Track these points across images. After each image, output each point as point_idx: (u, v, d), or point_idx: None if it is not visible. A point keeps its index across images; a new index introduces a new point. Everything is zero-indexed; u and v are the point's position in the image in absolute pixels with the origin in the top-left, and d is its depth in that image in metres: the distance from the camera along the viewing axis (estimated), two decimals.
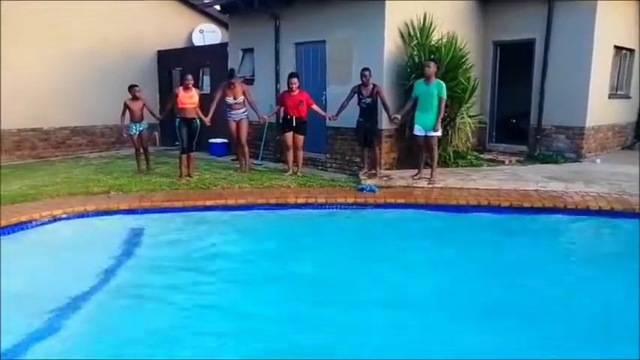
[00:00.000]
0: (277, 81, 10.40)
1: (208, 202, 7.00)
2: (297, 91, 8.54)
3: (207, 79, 12.76)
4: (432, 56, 8.51)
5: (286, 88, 8.72)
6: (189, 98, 8.38)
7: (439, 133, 7.74)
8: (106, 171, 9.59)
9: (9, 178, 8.89)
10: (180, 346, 3.66)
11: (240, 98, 8.90)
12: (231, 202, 7.03)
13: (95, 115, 12.85)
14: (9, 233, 5.90)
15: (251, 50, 11.14)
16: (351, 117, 8.38)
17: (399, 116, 7.89)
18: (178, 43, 14.20)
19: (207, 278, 4.97)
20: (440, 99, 7.47)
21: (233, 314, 4.17)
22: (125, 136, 9.39)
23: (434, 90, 7.48)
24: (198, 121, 8.54)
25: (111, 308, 4.30)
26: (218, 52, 12.16)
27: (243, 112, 9.03)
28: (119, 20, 13.00)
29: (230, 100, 8.89)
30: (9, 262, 5.07)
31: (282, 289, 4.66)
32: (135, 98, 9.00)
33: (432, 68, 7.51)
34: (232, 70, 9.42)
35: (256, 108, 9.12)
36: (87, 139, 12.96)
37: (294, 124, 8.64)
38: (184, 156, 8.56)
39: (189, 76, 8.50)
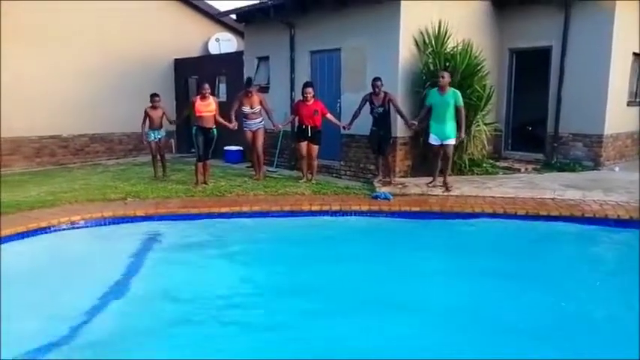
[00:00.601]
0: (292, 89, 10.46)
1: (223, 209, 7.05)
2: (311, 101, 8.53)
3: (223, 87, 12.87)
4: (447, 64, 8.50)
5: (301, 98, 8.70)
6: (205, 107, 8.41)
7: (455, 142, 7.71)
8: (123, 178, 9.70)
9: (28, 185, 9.05)
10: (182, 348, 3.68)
11: (257, 108, 8.85)
12: (245, 209, 7.06)
13: (113, 122, 13.05)
14: (27, 237, 5.99)
15: (266, 58, 11.23)
16: (365, 125, 8.39)
17: (416, 122, 7.90)
18: (195, 51, 14.37)
19: (223, 284, 4.99)
20: (458, 108, 7.47)
21: (245, 320, 4.19)
22: (145, 143, 9.54)
23: (450, 100, 7.45)
24: (215, 130, 8.56)
25: (126, 314, 4.32)
26: (234, 60, 12.27)
27: (260, 122, 8.98)
28: (137, 29, 13.21)
29: (247, 109, 8.83)
30: (26, 266, 5.16)
31: (297, 296, 4.66)
32: (155, 107, 9.17)
33: (446, 79, 7.48)
34: (250, 78, 9.32)
35: (272, 117, 9.14)
36: (105, 146, 13.14)
37: (309, 134, 8.63)
38: (200, 164, 8.60)
39: (206, 85, 8.52)
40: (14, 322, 3.93)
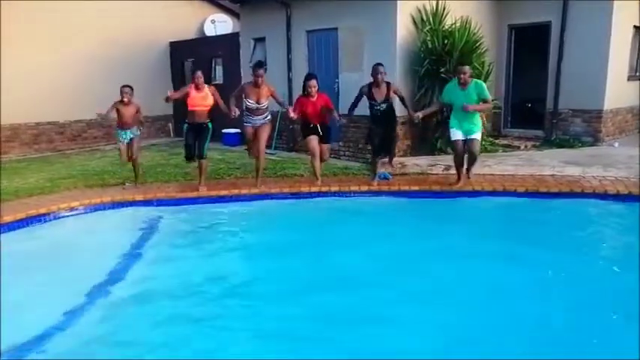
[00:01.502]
0: (289, 69, 10.37)
1: (223, 192, 7.03)
2: (316, 96, 7.09)
3: (219, 70, 12.77)
4: (446, 41, 8.40)
5: (302, 93, 7.24)
6: (201, 99, 6.89)
7: (480, 137, 6.78)
8: (121, 163, 9.65)
9: (25, 172, 9.03)
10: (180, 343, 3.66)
11: (265, 103, 7.03)
12: (244, 191, 7.05)
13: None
14: (27, 225, 6.00)
15: (263, 40, 11.11)
16: (363, 104, 8.30)
17: (420, 114, 6.92)
18: (190, 33, 14.22)
19: (225, 270, 4.99)
20: (485, 101, 6.60)
21: (249, 303, 4.20)
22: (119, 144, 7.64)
23: (472, 94, 6.49)
24: (210, 124, 7.09)
25: (125, 301, 4.29)
26: (230, 42, 12.15)
27: (266, 117, 7.18)
28: (132, 13, 13.02)
29: (252, 103, 6.94)
30: (26, 253, 5.17)
31: (297, 276, 4.67)
32: (126, 102, 7.30)
33: (467, 74, 6.50)
34: (260, 62, 7.30)
35: (286, 104, 7.76)
36: (102, 131, 13.06)
37: (319, 132, 7.20)
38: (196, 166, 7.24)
39: (199, 73, 6.95)
40: (15, 312, 3.94)
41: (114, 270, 4.84)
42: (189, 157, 7.22)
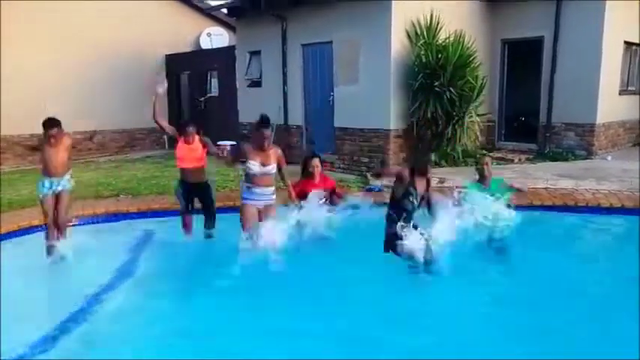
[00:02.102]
0: (285, 83, 10.42)
1: (217, 204, 6.99)
2: (318, 177, 5.71)
3: (214, 82, 12.83)
4: (440, 55, 8.46)
5: (301, 177, 5.81)
6: (190, 152, 5.56)
7: None
8: (116, 175, 9.65)
9: (18, 183, 8.97)
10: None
11: (272, 167, 5.07)
12: (239, 203, 7.01)
13: (105, 120, 12.97)
14: (19, 236, 5.95)
15: (258, 53, 11.18)
16: (358, 117, 8.37)
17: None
18: (186, 46, 14.29)
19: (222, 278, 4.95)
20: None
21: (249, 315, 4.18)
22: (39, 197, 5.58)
23: (497, 193, 5.21)
24: (208, 182, 5.85)
25: (117, 313, 4.26)
26: (226, 55, 12.22)
27: (273, 194, 5.22)
28: (127, 25, 13.11)
29: (255, 166, 5.00)
30: (18, 265, 5.12)
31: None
32: (52, 141, 5.54)
33: (489, 166, 5.43)
34: (266, 117, 5.08)
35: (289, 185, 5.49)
36: (97, 143, 13.06)
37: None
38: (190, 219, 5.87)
39: (190, 128, 5.58)
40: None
41: (105, 280, 4.80)
42: (184, 213, 5.81)
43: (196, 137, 5.61)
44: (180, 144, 5.60)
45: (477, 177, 5.45)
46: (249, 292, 4.47)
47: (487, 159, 5.56)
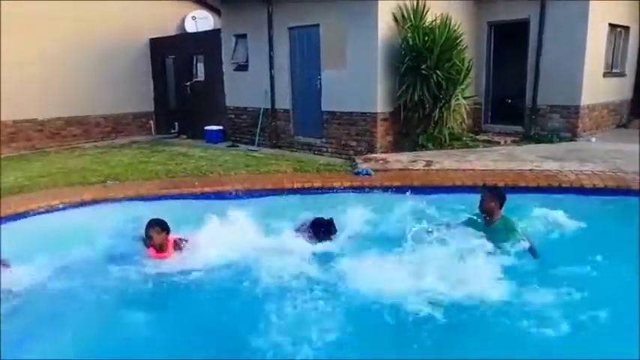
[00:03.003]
0: (271, 67, 10.35)
1: (206, 189, 7.01)
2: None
3: (200, 67, 12.71)
4: (426, 38, 8.46)
5: None
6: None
7: None
8: (102, 160, 9.58)
9: (4, 170, 8.88)
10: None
11: None
12: (227, 188, 7.04)
13: (89, 104, 12.79)
14: (5, 223, 5.90)
15: (244, 36, 11.07)
16: (346, 101, 8.37)
17: None
18: (171, 30, 14.09)
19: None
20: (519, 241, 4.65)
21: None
22: None
23: (502, 236, 4.68)
24: None
25: (108, 302, 4.26)
26: (211, 38, 12.07)
27: None
28: (111, 9, 12.83)
29: None
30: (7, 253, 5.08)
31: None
32: None
33: (495, 204, 4.81)
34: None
35: None
36: (82, 129, 12.90)
37: None
38: None
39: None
40: None
41: (95, 269, 4.78)
42: None
43: (171, 244, 4.80)
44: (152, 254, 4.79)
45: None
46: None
47: (492, 196, 4.81)
